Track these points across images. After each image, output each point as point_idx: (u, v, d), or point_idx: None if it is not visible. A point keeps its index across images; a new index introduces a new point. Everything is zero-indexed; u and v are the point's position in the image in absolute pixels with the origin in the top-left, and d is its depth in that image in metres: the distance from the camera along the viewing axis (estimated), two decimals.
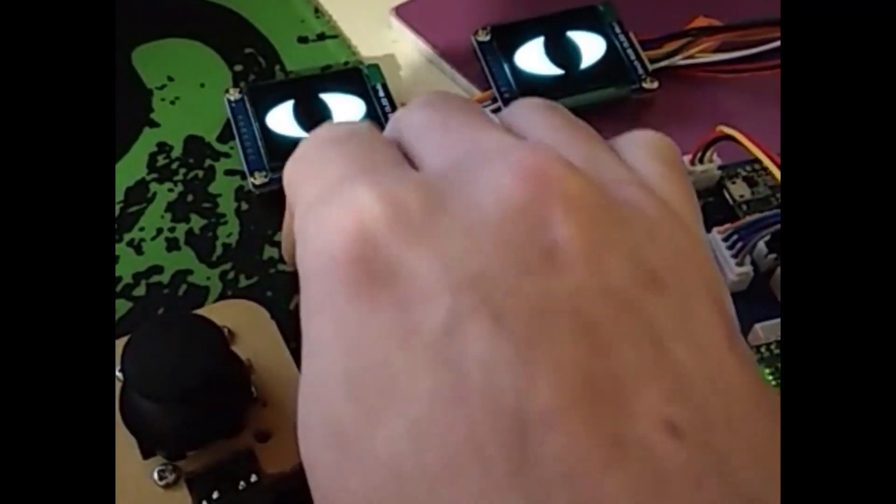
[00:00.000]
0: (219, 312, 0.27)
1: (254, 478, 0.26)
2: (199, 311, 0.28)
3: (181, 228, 0.35)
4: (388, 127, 0.24)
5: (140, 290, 0.33)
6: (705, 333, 0.19)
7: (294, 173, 0.23)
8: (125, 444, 0.26)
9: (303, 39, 0.40)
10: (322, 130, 0.23)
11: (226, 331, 0.27)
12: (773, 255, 0.32)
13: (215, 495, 0.26)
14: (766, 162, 0.31)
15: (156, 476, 0.26)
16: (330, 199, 0.21)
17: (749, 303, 0.32)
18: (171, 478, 0.26)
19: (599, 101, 0.37)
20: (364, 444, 0.19)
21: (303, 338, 0.21)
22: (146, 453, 0.26)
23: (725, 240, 0.32)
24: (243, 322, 0.28)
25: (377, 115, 0.36)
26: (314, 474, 0.20)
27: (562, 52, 0.38)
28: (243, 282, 0.33)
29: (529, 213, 0.19)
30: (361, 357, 0.19)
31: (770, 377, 0.28)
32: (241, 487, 0.26)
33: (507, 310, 0.18)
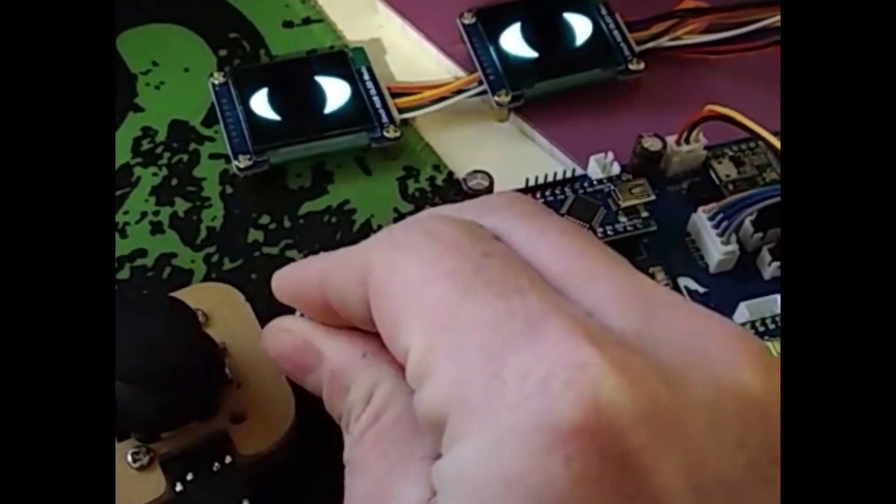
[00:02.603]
0: (193, 295, 0.27)
1: (228, 459, 0.26)
2: (174, 294, 0.27)
3: (165, 212, 0.34)
4: (480, 219, 0.22)
5: (124, 274, 0.33)
6: None
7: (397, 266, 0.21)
8: None
9: (288, 24, 0.39)
10: (430, 222, 0.21)
11: (200, 314, 0.27)
12: (759, 234, 0.32)
13: (189, 477, 0.26)
14: (768, 137, 0.31)
15: (130, 458, 0.26)
16: (520, 344, 0.18)
17: (735, 281, 0.32)
18: (145, 460, 0.26)
19: (586, 82, 0.37)
20: None
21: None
22: (120, 435, 0.26)
23: (711, 219, 0.32)
24: (218, 305, 0.28)
25: (362, 99, 0.36)
26: None
27: (548, 33, 0.37)
28: (227, 265, 0.33)
29: (762, 406, 0.19)
30: None
31: None
32: (215, 469, 0.26)
33: None
